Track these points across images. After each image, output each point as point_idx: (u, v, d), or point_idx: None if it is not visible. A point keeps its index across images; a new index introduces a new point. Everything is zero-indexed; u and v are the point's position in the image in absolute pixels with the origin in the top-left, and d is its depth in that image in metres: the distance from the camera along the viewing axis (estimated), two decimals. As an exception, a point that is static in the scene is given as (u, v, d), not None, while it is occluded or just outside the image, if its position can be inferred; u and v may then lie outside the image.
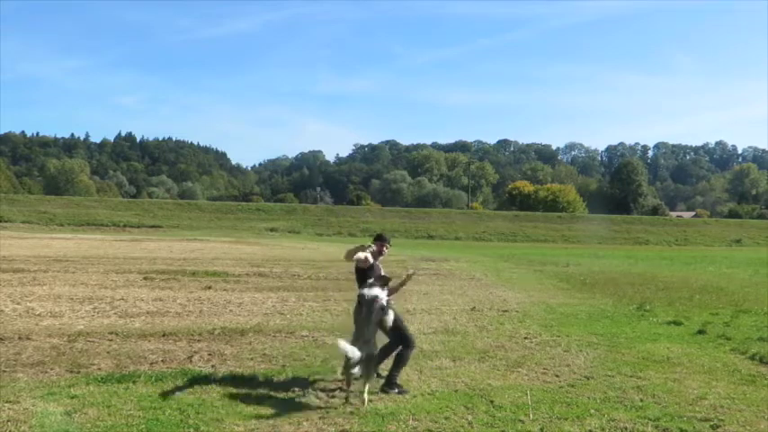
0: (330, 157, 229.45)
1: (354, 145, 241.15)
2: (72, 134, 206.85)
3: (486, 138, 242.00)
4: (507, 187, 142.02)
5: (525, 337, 12.34)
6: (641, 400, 8.03)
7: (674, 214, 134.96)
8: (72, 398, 7.60)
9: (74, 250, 33.04)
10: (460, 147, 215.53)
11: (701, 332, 13.16)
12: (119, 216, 76.12)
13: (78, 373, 8.86)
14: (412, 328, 10.34)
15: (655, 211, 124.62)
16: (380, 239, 8.98)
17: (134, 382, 8.32)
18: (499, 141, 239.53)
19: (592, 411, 7.54)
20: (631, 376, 9.31)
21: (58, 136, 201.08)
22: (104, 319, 13.27)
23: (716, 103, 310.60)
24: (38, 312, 13.88)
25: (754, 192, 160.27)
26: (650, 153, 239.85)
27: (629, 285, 22.75)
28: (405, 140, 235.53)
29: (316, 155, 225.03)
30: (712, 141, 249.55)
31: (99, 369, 9.08)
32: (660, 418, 7.28)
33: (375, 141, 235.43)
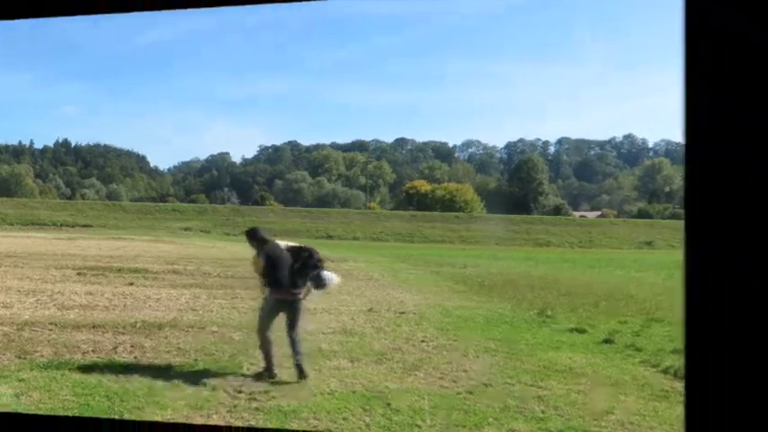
0: (237, 158, 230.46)
1: (259, 146, 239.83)
2: (20, 141, 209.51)
3: (383, 137, 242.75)
4: (404, 187, 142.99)
5: (422, 341, 12.44)
6: (543, 412, 8.05)
7: (577, 214, 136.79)
8: (20, 381, 9.01)
9: (22, 247, 35.70)
10: (358, 146, 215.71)
11: (607, 341, 12.94)
12: (57, 216, 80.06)
13: (25, 359, 10.36)
14: (311, 327, 11.65)
15: (557, 210, 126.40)
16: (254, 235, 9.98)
17: (69, 370, 9.66)
18: (396, 140, 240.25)
19: (490, 420, 7.56)
20: (532, 385, 9.33)
21: (9, 143, 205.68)
22: (45, 311, 14.99)
23: (623, 93, 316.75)
24: (-9, 303, 15.59)
25: (667, 189, 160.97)
26: (552, 149, 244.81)
27: (529, 289, 22.50)
28: (306, 141, 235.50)
29: (224, 156, 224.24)
30: (620, 135, 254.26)
31: (42, 356, 10.60)
32: (563, 431, 7.29)
33: (278, 142, 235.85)
